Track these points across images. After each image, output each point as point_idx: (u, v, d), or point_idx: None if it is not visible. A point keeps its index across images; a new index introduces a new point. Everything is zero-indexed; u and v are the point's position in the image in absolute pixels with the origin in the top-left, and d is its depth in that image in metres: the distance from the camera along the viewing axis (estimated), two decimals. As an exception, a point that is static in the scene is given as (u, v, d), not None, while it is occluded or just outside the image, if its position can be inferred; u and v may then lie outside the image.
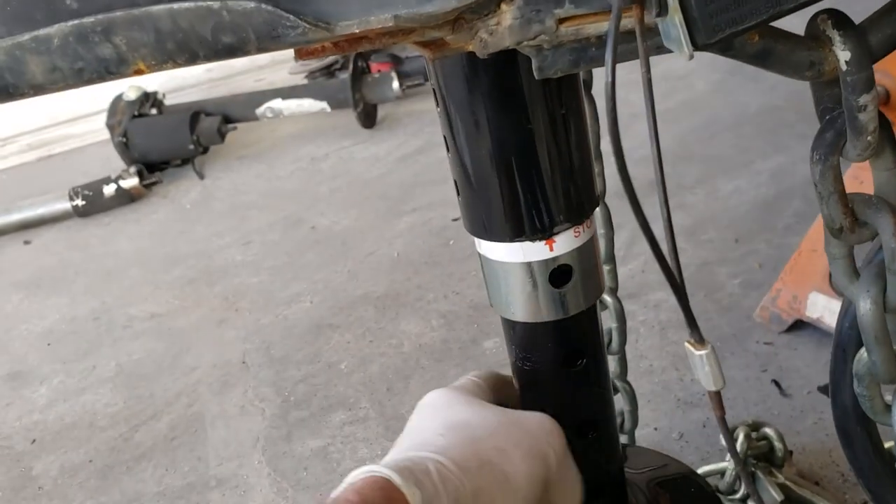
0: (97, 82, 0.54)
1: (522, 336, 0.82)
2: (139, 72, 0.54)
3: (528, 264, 0.78)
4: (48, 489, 1.83)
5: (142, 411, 2.02)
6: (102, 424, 2.01)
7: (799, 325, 1.76)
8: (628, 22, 0.54)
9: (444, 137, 0.77)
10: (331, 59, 3.80)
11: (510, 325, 0.83)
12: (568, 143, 0.75)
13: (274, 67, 4.16)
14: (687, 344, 0.59)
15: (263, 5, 0.51)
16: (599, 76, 0.72)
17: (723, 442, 1.35)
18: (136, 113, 3.37)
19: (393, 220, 2.65)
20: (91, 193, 3.16)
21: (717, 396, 0.60)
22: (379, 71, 3.52)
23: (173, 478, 1.78)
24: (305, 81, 3.75)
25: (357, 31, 0.52)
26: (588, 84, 1.06)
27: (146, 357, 2.24)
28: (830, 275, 1.73)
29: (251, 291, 2.44)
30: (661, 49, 0.55)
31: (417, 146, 3.19)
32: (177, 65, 0.54)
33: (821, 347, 1.70)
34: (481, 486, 0.68)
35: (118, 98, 3.44)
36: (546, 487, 0.75)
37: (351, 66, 3.33)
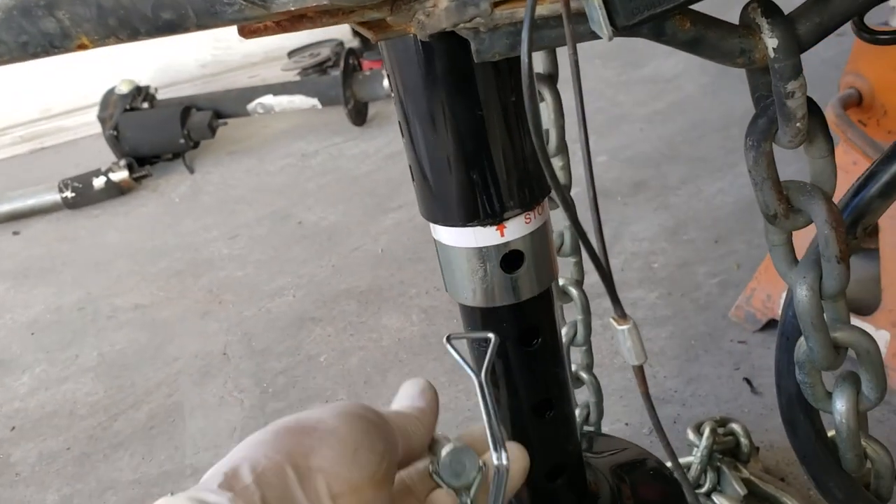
0: (42, 56, 0.56)
1: (477, 321, 0.84)
2: (83, 46, 0.55)
3: (480, 249, 0.79)
4: (25, 475, 1.84)
5: (122, 400, 2.04)
6: (82, 413, 2.02)
7: (773, 325, 1.77)
8: (558, 7, 0.56)
9: (399, 123, 0.78)
10: (323, 56, 3.81)
11: (466, 311, 0.85)
12: (519, 130, 0.76)
13: (267, 64, 4.17)
14: (611, 320, 0.60)
15: (200, -17, 0.52)
16: (565, 67, 0.74)
17: (690, 436, 1.36)
18: (127, 106, 3.38)
19: (379, 216, 2.67)
20: (81, 186, 3.17)
21: (640, 371, 0.61)
22: (370, 69, 3.54)
23: (149, 466, 1.79)
24: (298, 78, 3.76)
25: (293, 8, 0.53)
26: (553, 77, 1.07)
27: (129, 347, 2.25)
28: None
29: (236, 284, 2.45)
30: (587, 35, 0.56)
31: (407, 144, 3.20)
32: (119, 40, 0.55)
33: (793, 346, 1.71)
34: (305, 448, 0.58)
35: (110, 91, 3.46)
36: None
37: (342, 64, 3.34)
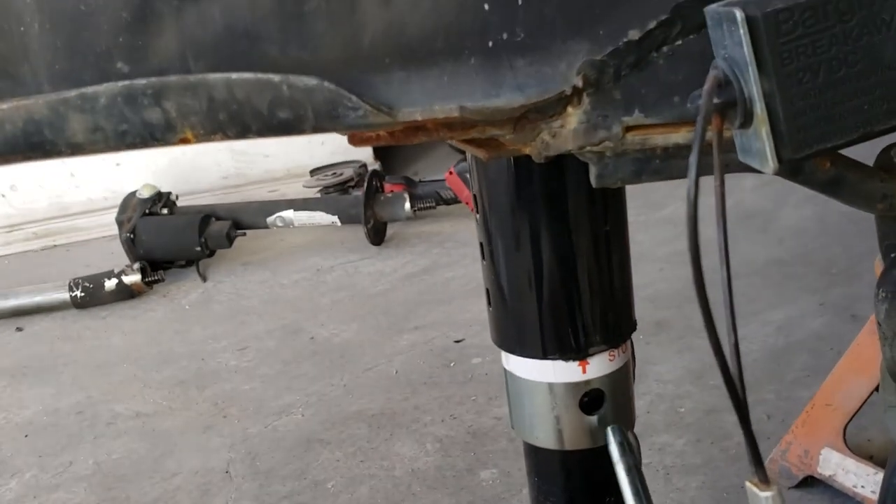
0: (139, 147, 0.52)
1: (545, 465, 0.77)
2: (185, 140, 0.52)
3: (558, 385, 0.73)
4: (3, 592, 1.71)
5: (114, 515, 1.92)
6: (71, 526, 1.90)
7: (810, 482, 1.69)
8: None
9: (480, 244, 0.74)
10: (346, 176, 3.84)
11: (532, 452, 0.78)
12: (609, 262, 0.72)
13: (288, 180, 4.20)
14: (749, 484, 0.54)
15: (326, 83, 0.49)
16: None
17: None
18: (147, 211, 3.38)
19: (394, 336, 2.60)
20: (91, 286, 3.12)
21: None
22: (392, 191, 3.55)
23: (139, 591, 1.67)
24: (319, 195, 3.78)
25: (420, 118, 0.50)
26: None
27: (126, 457, 2.14)
28: (845, 434, 1.67)
29: (242, 398, 2.36)
30: (728, 167, 0.53)
31: (424, 266, 3.18)
32: (226, 137, 0.51)
33: (834, 507, 1.62)
34: None
35: (131, 195, 3.46)
36: None
37: (366, 184, 3.36)
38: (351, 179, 3.79)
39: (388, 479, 1.92)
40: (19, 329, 3.05)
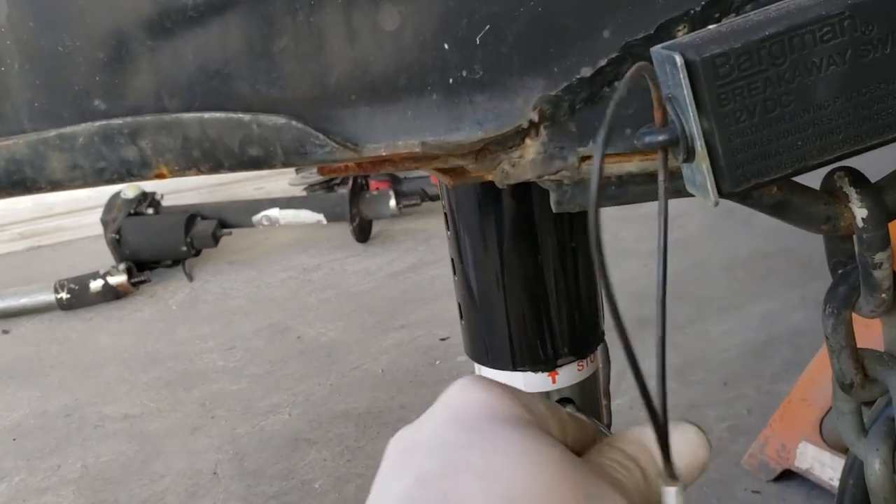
0: (116, 183, 0.54)
1: (517, 470, 0.80)
2: (160, 176, 0.54)
3: (529, 396, 0.76)
4: None
5: (104, 518, 1.94)
6: (61, 529, 1.92)
7: (788, 475, 1.72)
8: (650, 165, 0.55)
9: (452, 260, 0.77)
10: (330, 172, 3.86)
11: (504, 458, 0.81)
12: (576, 277, 0.75)
13: (274, 178, 4.21)
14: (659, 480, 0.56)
15: (294, 122, 0.51)
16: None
17: None
18: (132, 211, 3.39)
19: (380, 335, 2.63)
20: (77, 287, 3.13)
21: None
22: (377, 188, 3.57)
23: (129, 593, 1.69)
24: (304, 193, 3.80)
25: (384, 153, 0.52)
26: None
27: (115, 460, 2.16)
28: (821, 427, 1.70)
29: (230, 399, 2.38)
30: (679, 193, 0.55)
31: (409, 263, 3.20)
32: (199, 172, 0.54)
33: (810, 500, 1.66)
34: None
35: (116, 195, 3.47)
36: None
37: (350, 182, 3.38)
38: (336, 177, 3.80)
39: (375, 479, 1.94)
40: (5, 332, 3.05)
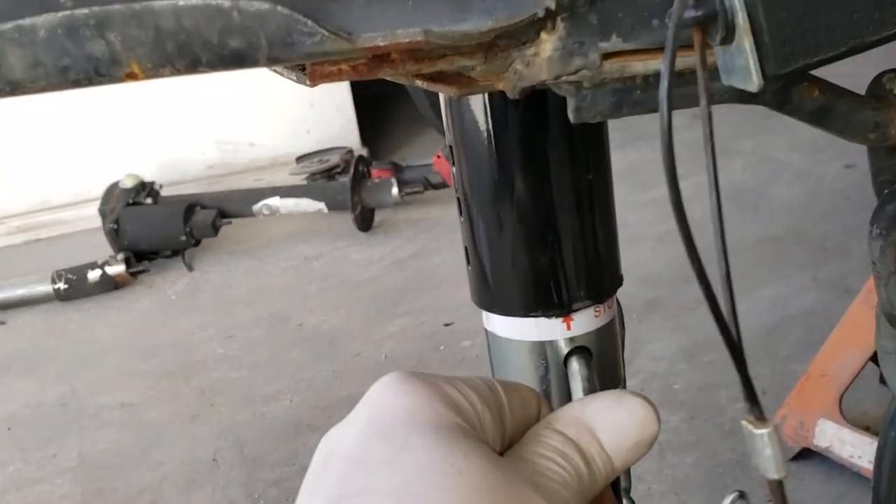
0: (84, 84, 0.48)
1: (530, 427, 0.74)
2: (132, 76, 0.48)
3: (542, 343, 0.70)
4: (-13, 586, 1.68)
5: (100, 506, 1.89)
6: (56, 518, 1.87)
7: (806, 454, 1.67)
8: (680, 62, 0.50)
9: (457, 199, 0.71)
10: (332, 162, 3.81)
11: (516, 415, 0.75)
12: (592, 212, 0.69)
13: (274, 169, 4.16)
14: (744, 422, 0.51)
15: (279, 7, 0.45)
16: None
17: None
18: (130, 201, 3.33)
19: (383, 322, 2.57)
20: (74, 278, 3.08)
21: (779, 488, 0.51)
22: (379, 177, 3.52)
23: (125, 581, 1.64)
24: (305, 183, 3.74)
25: (382, 44, 0.46)
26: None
27: (112, 448, 2.11)
28: (841, 404, 1.64)
29: (230, 387, 2.33)
30: (717, 96, 0.50)
31: (412, 251, 3.15)
32: (175, 71, 0.48)
33: (830, 479, 1.60)
34: None
35: (114, 185, 3.41)
36: None
37: (352, 170, 3.32)
38: (337, 166, 3.75)
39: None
40: (2, 323, 3.00)
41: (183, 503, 1.84)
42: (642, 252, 2.83)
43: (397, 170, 3.56)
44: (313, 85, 0.53)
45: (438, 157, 3.42)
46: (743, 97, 0.51)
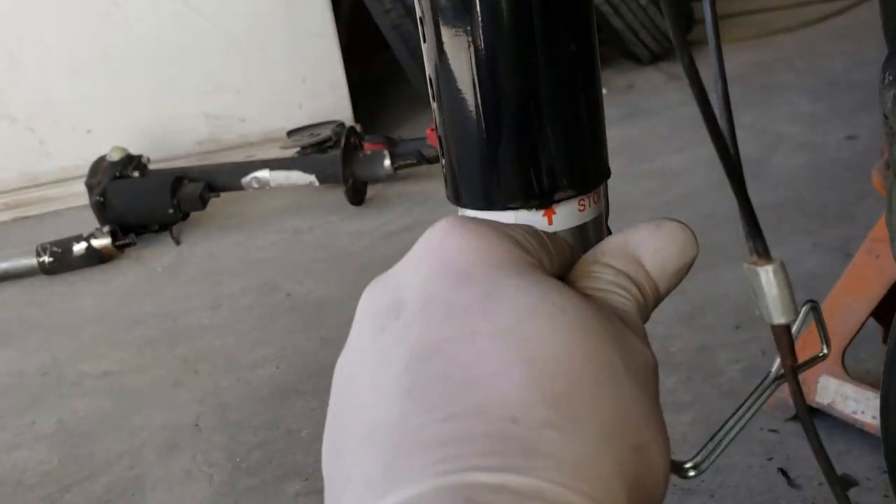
0: None
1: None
2: None
3: (521, 238, 0.64)
4: (-44, 549, 1.62)
5: (77, 471, 1.83)
6: (31, 483, 1.81)
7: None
8: None
9: (429, 80, 0.64)
10: (323, 136, 3.73)
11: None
12: (575, 92, 0.62)
13: (265, 145, 4.08)
14: (746, 264, 0.45)
15: None
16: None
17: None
18: (117, 174, 3.26)
19: (373, 290, 2.51)
20: (59, 251, 3.01)
21: (786, 335, 0.45)
22: (371, 150, 3.45)
23: (99, 544, 1.58)
24: (296, 156, 3.67)
25: None
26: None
27: (91, 415, 2.05)
28: (843, 358, 1.58)
29: (214, 354, 2.27)
30: None
31: (405, 224, 3.08)
32: None
33: (833, 435, 1.54)
34: None
35: (101, 159, 3.34)
36: None
37: (343, 142, 3.25)
38: (329, 139, 3.68)
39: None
40: (-15, 296, 2.94)
41: (162, 467, 1.78)
42: (641, 220, 2.76)
43: (390, 143, 3.49)
44: None
45: (432, 129, 3.35)
46: None
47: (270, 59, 4.04)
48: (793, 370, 0.46)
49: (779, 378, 0.49)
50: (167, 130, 3.97)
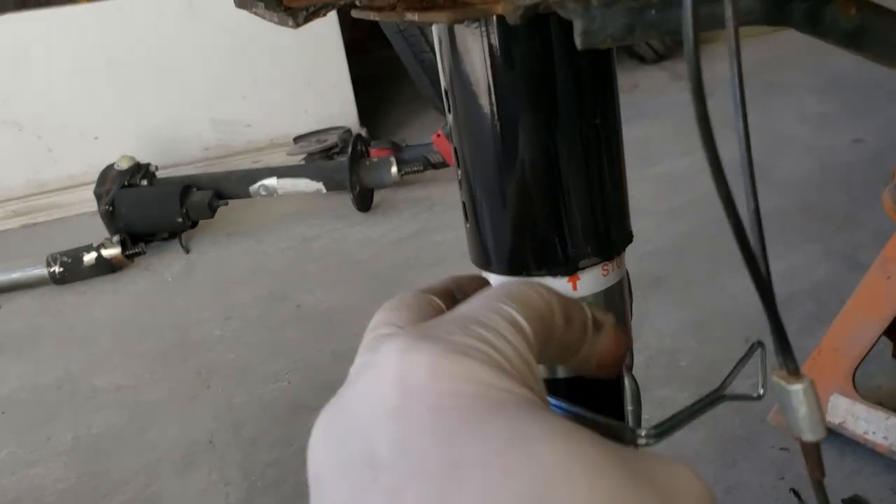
0: None
1: (533, 395, 0.69)
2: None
3: (547, 305, 0.65)
4: (-22, 571, 1.64)
5: (94, 489, 1.84)
6: (49, 501, 1.83)
7: (818, 431, 1.61)
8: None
9: (454, 150, 0.66)
10: (330, 142, 3.75)
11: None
12: (600, 162, 0.63)
13: (272, 150, 4.10)
14: (775, 377, 0.46)
15: None
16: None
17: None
18: (125, 182, 3.28)
19: (383, 300, 2.45)
20: (70, 260, 3.03)
21: (815, 451, 0.46)
22: (378, 157, 3.46)
23: (119, 565, 1.60)
24: (303, 163, 3.68)
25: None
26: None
27: (107, 431, 2.06)
28: (854, 378, 1.58)
29: (226, 367, 2.28)
30: (743, 14, 0.44)
31: (412, 231, 3.09)
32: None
33: (844, 455, 1.55)
34: None
35: (109, 167, 3.36)
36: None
37: (350, 149, 3.26)
38: (336, 146, 3.69)
39: None
40: (-3, 307, 2.96)
41: (178, 485, 1.80)
42: (648, 227, 2.77)
43: (396, 149, 3.50)
44: (296, 26, 0.48)
45: (438, 135, 3.36)
46: (771, 15, 0.45)
47: (276, 64, 4.05)
48: (820, 483, 0.47)
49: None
50: (174, 136, 3.99)
